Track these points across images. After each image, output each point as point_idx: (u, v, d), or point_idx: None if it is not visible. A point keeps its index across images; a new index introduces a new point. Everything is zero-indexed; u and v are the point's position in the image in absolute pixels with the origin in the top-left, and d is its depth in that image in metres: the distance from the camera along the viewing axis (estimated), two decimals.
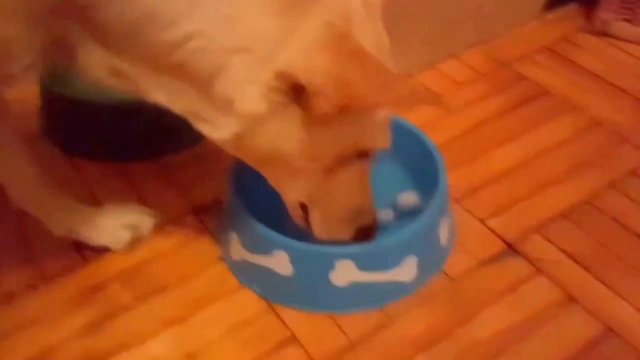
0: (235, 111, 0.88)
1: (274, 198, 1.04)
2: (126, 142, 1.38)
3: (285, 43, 0.84)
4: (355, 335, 1.09)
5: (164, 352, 1.06)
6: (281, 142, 0.92)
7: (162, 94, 0.92)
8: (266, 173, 1.01)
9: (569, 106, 1.52)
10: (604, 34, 1.72)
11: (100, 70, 0.92)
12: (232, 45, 0.84)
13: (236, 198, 1.13)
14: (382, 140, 1.00)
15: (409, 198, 1.26)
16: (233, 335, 1.08)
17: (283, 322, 1.11)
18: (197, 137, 1.35)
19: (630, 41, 1.70)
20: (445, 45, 1.64)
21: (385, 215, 1.21)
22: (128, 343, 1.07)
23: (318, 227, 1.06)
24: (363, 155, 0.99)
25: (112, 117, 1.33)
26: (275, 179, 1.02)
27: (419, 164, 1.25)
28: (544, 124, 1.48)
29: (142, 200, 1.29)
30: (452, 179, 1.23)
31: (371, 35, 0.90)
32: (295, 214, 1.07)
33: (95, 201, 1.27)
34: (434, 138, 1.26)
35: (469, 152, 1.41)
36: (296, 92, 0.86)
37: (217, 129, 0.92)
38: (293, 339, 1.08)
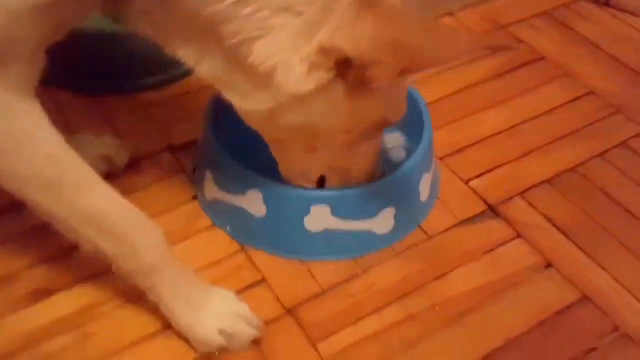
0: (275, 87, 0.82)
1: (250, 139, 1.01)
2: (104, 74, 1.34)
3: (328, 13, 0.78)
4: (326, 283, 1.06)
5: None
6: (319, 118, 0.89)
7: (191, 53, 0.87)
8: (282, 148, 0.99)
9: (564, 73, 1.49)
10: (606, 4, 1.68)
11: (137, 16, 0.86)
12: (281, 2, 0.77)
13: (212, 135, 1.10)
14: (402, 112, 0.98)
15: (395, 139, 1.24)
16: (202, 274, 1.05)
17: (254, 264, 1.08)
18: (176, 76, 1.34)
19: (632, 13, 1.66)
20: (441, 3, 1.60)
21: None
22: (93, 274, 1.04)
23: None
24: (383, 127, 0.98)
25: (91, 47, 1.28)
26: (290, 153, 1.00)
27: (408, 118, 1.21)
28: (537, 90, 1.45)
29: (117, 134, 1.25)
30: (439, 138, 1.21)
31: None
32: (299, 183, 1.05)
33: (69, 132, 1.23)
34: (425, 95, 1.22)
35: (459, 112, 1.37)
36: (340, 67, 0.81)
37: (248, 101, 0.87)
38: (263, 282, 1.06)
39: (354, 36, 0.77)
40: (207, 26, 0.80)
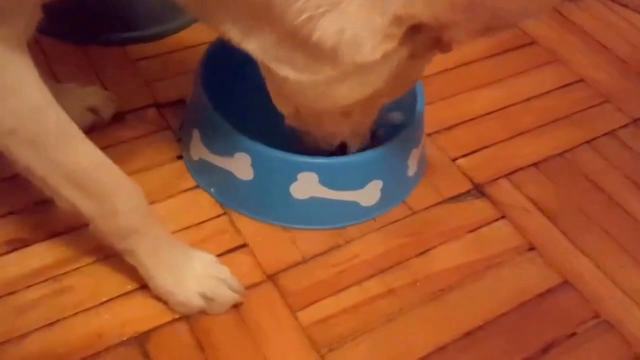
0: (341, 59, 0.77)
1: (236, 105, 0.99)
2: (92, 23, 1.30)
3: None
4: (308, 251, 1.05)
5: None
6: (376, 85, 0.85)
7: (238, 31, 0.81)
8: (315, 115, 0.97)
9: (556, 59, 1.49)
10: None
11: None
12: None
13: (203, 93, 1.07)
14: None
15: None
16: (182, 234, 1.04)
17: (237, 228, 1.07)
18: (166, 32, 1.31)
19: (626, 6, 1.66)
20: None
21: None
22: (71, 227, 1.02)
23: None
24: None
25: None
26: (323, 119, 0.98)
27: None
28: (528, 73, 1.44)
29: (104, 86, 1.23)
30: (428, 114, 1.19)
31: None
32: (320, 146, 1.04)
33: (55, 80, 1.21)
34: None
35: (449, 90, 1.36)
36: (409, 32, 0.76)
37: (305, 73, 0.82)
38: (244, 247, 1.05)
39: (426, 1, 0.72)
40: (263, 7, 0.75)
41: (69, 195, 0.85)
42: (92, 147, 0.86)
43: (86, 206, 0.87)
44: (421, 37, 0.78)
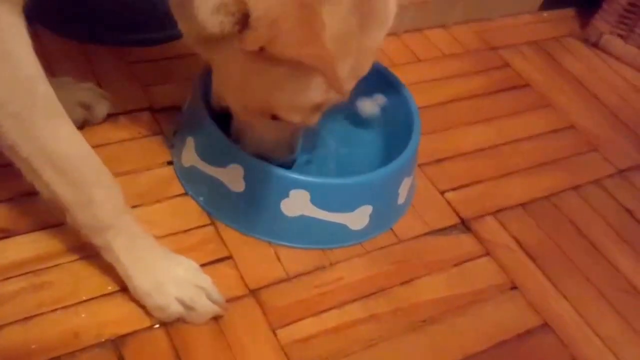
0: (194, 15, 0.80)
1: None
2: (92, 21, 1.29)
3: None
4: (292, 270, 1.04)
5: None
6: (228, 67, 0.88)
7: None
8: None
9: (547, 104, 1.51)
10: (594, 44, 1.70)
11: None
12: None
13: (202, 102, 1.07)
14: (299, 117, 0.93)
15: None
16: (167, 240, 1.02)
17: (222, 240, 1.05)
18: (165, 37, 1.31)
19: (617, 58, 1.69)
20: (437, 14, 1.59)
21: None
22: (54, 222, 0.99)
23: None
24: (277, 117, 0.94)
25: None
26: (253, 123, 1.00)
27: (396, 121, 1.21)
28: (519, 115, 1.46)
29: (100, 85, 1.21)
30: (420, 145, 1.19)
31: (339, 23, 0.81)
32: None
33: (50, 74, 1.18)
34: None
35: (441, 123, 1.37)
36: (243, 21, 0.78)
37: (183, 23, 0.86)
38: (229, 259, 1.03)
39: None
40: None
41: (50, 180, 0.84)
42: (76, 133, 0.85)
43: (64, 193, 0.85)
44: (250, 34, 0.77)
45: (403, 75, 1.26)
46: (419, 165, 1.25)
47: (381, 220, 1.12)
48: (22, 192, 1.02)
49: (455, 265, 1.12)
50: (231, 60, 0.86)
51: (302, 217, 1.04)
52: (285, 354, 0.95)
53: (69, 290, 0.94)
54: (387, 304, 1.04)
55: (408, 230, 1.15)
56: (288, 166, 1.05)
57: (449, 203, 1.22)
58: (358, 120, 1.25)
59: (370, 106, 1.24)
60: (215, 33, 0.80)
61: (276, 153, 1.03)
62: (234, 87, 0.92)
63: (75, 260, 0.98)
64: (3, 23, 0.76)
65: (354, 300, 1.03)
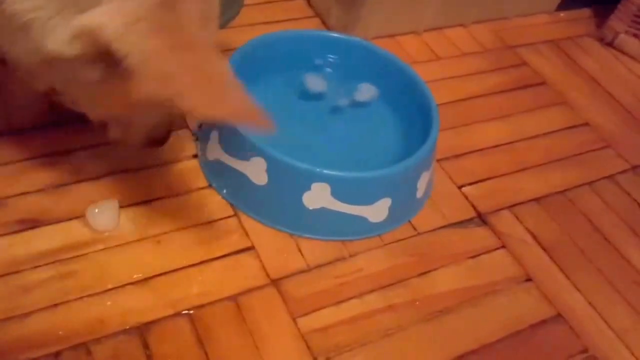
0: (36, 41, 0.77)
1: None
2: None
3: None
4: (313, 260, 1.07)
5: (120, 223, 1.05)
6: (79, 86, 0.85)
7: None
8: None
9: (562, 101, 1.53)
10: (609, 44, 1.72)
11: None
12: None
13: None
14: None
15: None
16: (190, 231, 1.05)
17: (245, 231, 1.08)
18: None
19: (632, 57, 1.71)
20: (456, 13, 1.62)
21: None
22: (80, 209, 1.03)
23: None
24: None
25: None
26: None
27: (414, 115, 1.23)
28: (535, 112, 1.48)
29: None
30: (438, 141, 1.22)
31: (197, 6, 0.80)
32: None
33: None
34: None
35: (458, 120, 1.39)
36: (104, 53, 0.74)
37: (15, 48, 0.82)
38: (251, 249, 1.06)
39: (134, 43, 0.72)
40: None
41: None
42: None
43: None
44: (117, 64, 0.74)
45: (423, 72, 1.28)
46: (438, 161, 1.28)
47: (400, 213, 1.14)
48: (51, 184, 1.06)
49: (472, 257, 1.15)
50: (83, 79, 0.82)
51: (322, 209, 1.07)
52: (305, 341, 0.98)
53: (94, 279, 0.97)
54: (405, 295, 1.06)
55: (426, 223, 1.18)
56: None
57: (466, 197, 1.24)
58: (377, 115, 1.28)
59: (367, 90, 1.29)
60: (74, 55, 0.76)
61: (156, 134, 1.04)
62: (88, 101, 0.91)
63: (101, 250, 1.01)
64: None
65: (373, 291, 1.06)
